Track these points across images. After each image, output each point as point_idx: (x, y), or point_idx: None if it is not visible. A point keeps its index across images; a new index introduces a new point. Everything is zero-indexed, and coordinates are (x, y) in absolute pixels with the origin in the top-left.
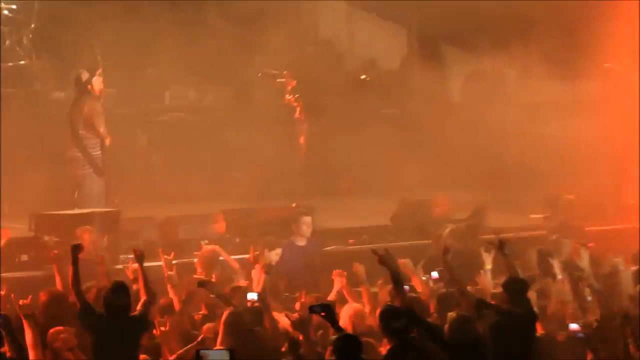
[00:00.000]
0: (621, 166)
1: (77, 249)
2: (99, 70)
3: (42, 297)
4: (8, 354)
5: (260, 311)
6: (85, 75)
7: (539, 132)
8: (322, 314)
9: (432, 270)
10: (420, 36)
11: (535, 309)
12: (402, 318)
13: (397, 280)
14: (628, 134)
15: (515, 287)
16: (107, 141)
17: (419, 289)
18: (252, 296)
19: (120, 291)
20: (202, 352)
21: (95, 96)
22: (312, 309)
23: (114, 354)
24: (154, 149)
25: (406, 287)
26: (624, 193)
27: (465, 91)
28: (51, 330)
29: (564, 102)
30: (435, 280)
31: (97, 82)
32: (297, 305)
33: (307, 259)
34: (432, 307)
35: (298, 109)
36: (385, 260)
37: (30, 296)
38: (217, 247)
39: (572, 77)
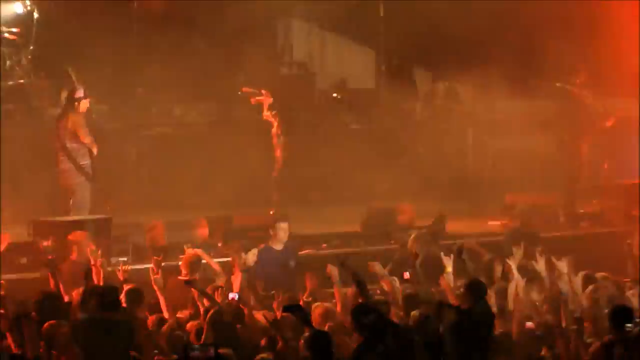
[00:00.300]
0: (572, 178)
1: (52, 262)
2: (81, 91)
3: (38, 297)
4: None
5: (240, 309)
6: (80, 93)
7: (497, 147)
8: (295, 313)
9: (398, 273)
10: (387, 57)
11: (494, 308)
12: (371, 315)
13: (359, 281)
14: (579, 148)
15: (475, 289)
16: (95, 150)
17: (388, 289)
18: (233, 295)
19: (110, 293)
20: (189, 346)
21: (79, 110)
22: (285, 309)
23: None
24: (142, 160)
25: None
26: (575, 203)
27: (428, 108)
28: (46, 324)
29: (520, 119)
30: (406, 280)
31: (84, 101)
32: (275, 304)
33: (283, 262)
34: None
35: (275, 124)
36: (346, 265)
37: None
38: (199, 251)
39: (528, 96)
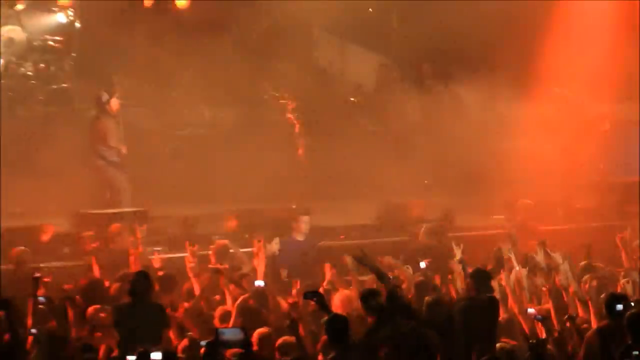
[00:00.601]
0: (570, 175)
1: (94, 251)
2: (117, 94)
3: (82, 282)
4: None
5: (265, 296)
6: (105, 97)
7: (501, 147)
8: (314, 299)
9: (410, 262)
10: (401, 65)
11: (497, 295)
12: (378, 297)
13: (378, 273)
14: (576, 147)
15: (481, 277)
16: (124, 150)
17: (403, 278)
18: (259, 283)
19: (143, 278)
20: (220, 329)
21: (111, 114)
22: (305, 296)
23: (138, 335)
24: (176, 158)
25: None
26: (572, 198)
27: (438, 110)
28: (90, 308)
29: (523, 122)
30: (423, 269)
31: (115, 103)
32: (295, 291)
33: (305, 252)
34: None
35: (297, 126)
36: (362, 260)
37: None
38: (227, 241)
39: (530, 100)
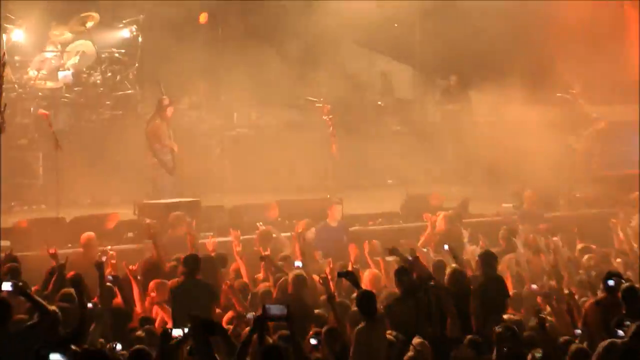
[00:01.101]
0: (571, 169)
1: (155, 236)
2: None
3: (143, 263)
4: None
5: (303, 275)
6: (166, 101)
7: (511, 144)
8: (347, 277)
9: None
10: (422, 72)
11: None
12: (407, 275)
13: (405, 260)
14: (576, 144)
15: (487, 258)
16: (175, 148)
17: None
18: (298, 264)
19: (194, 260)
20: (266, 305)
21: (165, 118)
22: (339, 275)
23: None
24: (225, 155)
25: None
26: (572, 189)
27: (455, 112)
28: (152, 283)
29: (530, 121)
30: (446, 252)
31: (170, 109)
32: (328, 270)
33: (338, 236)
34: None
35: (331, 126)
36: (393, 252)
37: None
38: (270, 227)
39: (536, 103)
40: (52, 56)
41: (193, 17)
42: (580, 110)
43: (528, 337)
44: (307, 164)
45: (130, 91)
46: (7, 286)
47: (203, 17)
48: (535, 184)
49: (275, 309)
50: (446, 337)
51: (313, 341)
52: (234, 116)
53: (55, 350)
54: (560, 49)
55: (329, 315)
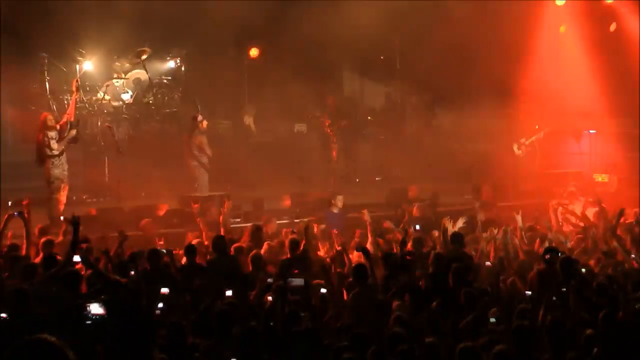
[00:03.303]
0: (518, 167)
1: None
2: (200, 116)
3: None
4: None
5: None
6: (200, 118)
7: (471, 148)
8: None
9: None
10: (401, 93)
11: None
12: (393, 257)
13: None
14: (522, 149)
15: (456, 238)
16: (209, 152)
17: (399, 237)
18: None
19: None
20: (290, 278)
21: (202, 130)
22: (357, 249)
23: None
24: (249, 159)
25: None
26: (519, 183)
27: (425, 124)
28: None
29: (486, 131)
30: (417, 231)
31: (204, 122)
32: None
33: (339, 220)
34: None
35: (332, 135)
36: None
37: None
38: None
39: (491, 116)
40: (115, 82)
41: (224, 50)
42: (525, 122)
43: (485, 302)
44: (312, 164)
45: (175, 109)
46: (77, 258)
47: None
48: (490, 180)
49: (297, 282)
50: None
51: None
52: (254, 127)
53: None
54: (510, 69)
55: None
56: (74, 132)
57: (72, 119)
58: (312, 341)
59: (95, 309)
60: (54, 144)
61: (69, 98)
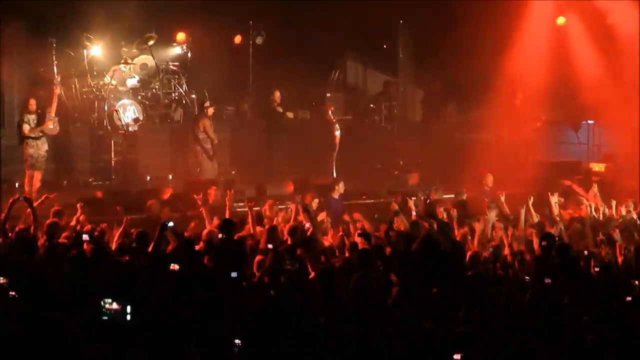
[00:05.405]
0: (515, 156)
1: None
2: (208, 102)
3: (192, 224)
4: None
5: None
6: (207, 104)
7: (465, 138)
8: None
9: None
10: (403, 83)
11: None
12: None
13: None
14: (519, 138)
15: (444, 227)
16: (214, 138)
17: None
18: (308, 225)
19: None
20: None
21: (208, 115)
22: (359, 235)
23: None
24: (253, 143)
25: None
26: (516, 172)
27: (426, 113)
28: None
29: (485, 120)
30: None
31: (210, 109)
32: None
33: (339, 205)
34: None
35: (335, 122)
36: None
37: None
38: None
39: (490, 106)
40: (124, 68)
41: (228, 38)
42: (523, 112)
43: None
44: (315, 150)
45: (181, 93)
46: (85, 237)
47: (238, 39)
48: (488, 169)
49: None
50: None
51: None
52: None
53: None
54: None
55: None
56: (50, 125)
57: (52, 115)
58: (308, 320)
59: (111, 304)
60: (25, 127)
61: (77, 82)
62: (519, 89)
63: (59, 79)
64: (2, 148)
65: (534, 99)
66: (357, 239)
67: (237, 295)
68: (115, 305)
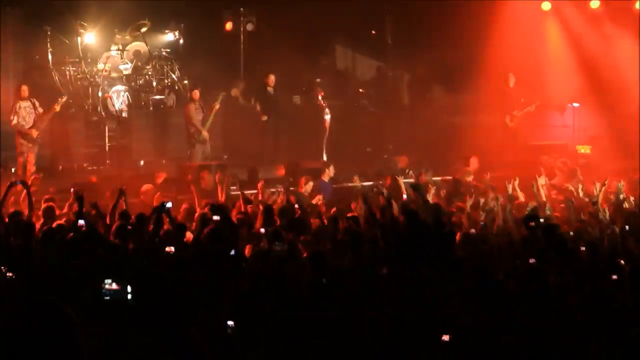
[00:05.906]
0: (503, 139)
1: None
2: (198, 89)
3: (185, 205)
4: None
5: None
6: (197, 94)
7: (452, 121)
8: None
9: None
10: (392, 68)
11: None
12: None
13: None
14: (509, 121)
15: (436, 209)
16: (197, 124)
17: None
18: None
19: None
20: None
21: (193, 100)
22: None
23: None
24: (245, 128)
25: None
26: (504, 154)
27: (415, 97)
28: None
29: (474, 103)
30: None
31: (196, 93)
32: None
33: (330, 188)
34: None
35: (325, 106)
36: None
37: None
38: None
39: (480, 90)
40: (115, 54)
41: (220, 25)
42: (513, 95)
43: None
44: (306, 133)
45: (173, 79)
46: (81, 222)
47: (229, 26)
48: (475, 152)
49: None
50: None
51: None
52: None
53: None
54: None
55: None
56: (34, 132)
57: (40, 125)
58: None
59: (111, 284)
60: (12, 116)
61: (71, 69)
62: (510, 73)
63: (62, 100)
64: None
65: (524, 83)
66: (345, 222)
67: (237, 273)
68: (115, 286)
